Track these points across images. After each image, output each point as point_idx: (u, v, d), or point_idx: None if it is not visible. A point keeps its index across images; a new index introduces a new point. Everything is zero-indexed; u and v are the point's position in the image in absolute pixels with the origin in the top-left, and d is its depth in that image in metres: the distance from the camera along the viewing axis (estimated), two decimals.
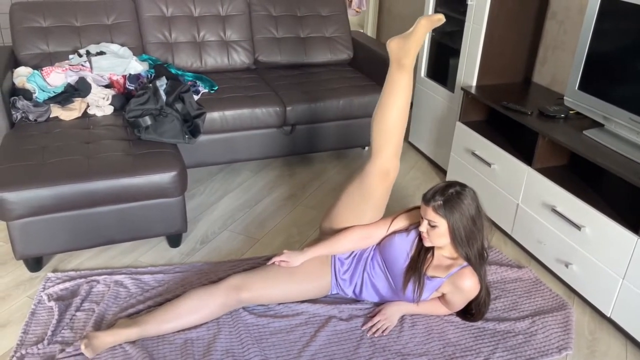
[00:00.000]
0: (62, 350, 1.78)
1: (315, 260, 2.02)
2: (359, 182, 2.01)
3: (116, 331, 1.79)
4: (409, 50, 1.89)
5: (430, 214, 1.82)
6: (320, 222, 2.18)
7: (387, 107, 1.94)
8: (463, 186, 1.83)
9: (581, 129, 2.31)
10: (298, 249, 2.07)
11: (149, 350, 1.79)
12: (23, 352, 1.77)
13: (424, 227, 1.85)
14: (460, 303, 1.96)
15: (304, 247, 2.05)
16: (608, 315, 2.06)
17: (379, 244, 2.03)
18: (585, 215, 2.10)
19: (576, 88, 2.32)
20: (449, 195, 1.80)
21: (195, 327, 1.90)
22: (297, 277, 1.98)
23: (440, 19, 1.87)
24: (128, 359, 1.75)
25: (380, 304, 2.06)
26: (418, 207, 2.03)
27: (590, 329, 2.07)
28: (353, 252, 2.05)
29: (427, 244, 1.89)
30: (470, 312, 2.00)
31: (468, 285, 1.87)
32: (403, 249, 1.93)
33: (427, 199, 1.83)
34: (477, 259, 1.87)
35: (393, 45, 1.92)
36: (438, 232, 1.83)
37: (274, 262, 2.01)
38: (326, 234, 2.11)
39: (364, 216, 2.03)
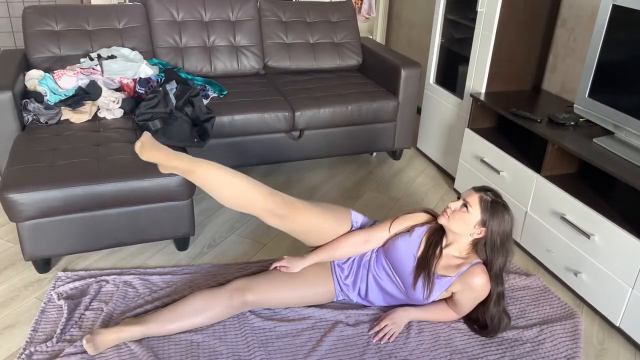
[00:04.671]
0: (71, 346, 1.80)
1: (315, 267, 2.02)
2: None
3: (119, 329, 1.80)
4: (171, 165, 1.88)
5: (473, 199, 1.84)
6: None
7: (218, 195, 1.91)
8: (508, 206, 1.87)
9: (591, 137, 2.30)
10: (303, 254, 2.07)
11: (154, 350, 1.80)
12: (32, 349, 1.79)
13: (455, 205, 1.86)
14: (469, 303, 1.94)
15: (308, 252, 2.06)
16: (617, 325, 2.05)
17: (383, 247, 2.03)
18: (595, 223, 2.08)
19: (586, 96, 2.31)
20: (499, 201, 1.84)
21: (202, 328, 1.90)
22: (298, 282, 1.98)
23: (141, 141, 1.88)
24: (134, 358, 1.76)
25: (387, 308, 2.06)
26: (416, 210, 2.04)
27: (599, 339, 2.05)
28: (350, 257, 2.05)
29: (442, 221, 1.88)
30: (480, 324, 1.98)
31: (478, 283, 1.86)
32: (409, 251, 1.93)
33: (478, 188, 1.86)
34: (495, 273, 1.88)
35: (164, 170, 1.93)
36: (465, 218, 1.83)
37: (275, 267, 2.01)
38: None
39: (326, 232, 2.01)
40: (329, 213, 2.03)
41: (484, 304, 1.94)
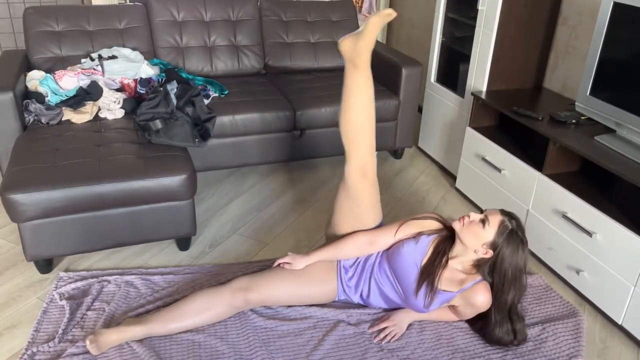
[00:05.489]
0: (73, 346, 1.80)
1: (319, 265, 2.01)
2: (343, 187, 2.01)
3: (122, 329, 1.80)
4: (361, 50, 1.85)
5: (494, 219, 1.79)
6: (325, 229, 2.18)
7: (350, 108, 1.92)
8: (527, 244, 1.83)
9: (592, 135, 2.29)
10: (304, 253, 2.06)
11: (156, 350, 1.80)
12: (34, 350, 1.79)
13: (475, 216, 1.82)
14: (470, 315, 1.94)
15: (311, 250, 2.05)
16: (619, 323, 2.04)
17: (386, 251, 2.01)
18: (597, 221, 2.08)
19: (588, 94, 2.30)
20: (519, 234, 1.79)
21: (203, 328, 1.90)
22: (301, 280, 1.97)
23: (390, 13, 1.80)
24: (135, 358, 1.76)
25: (388, 310, 2.05)
26: (427, 216, 2.01)
27: (601, 337, 2.04)
28: (357, 259, 2.03)
29: (456, 226, 1.84)
30: (487, 334, 1.96)
31: (481, 301, 1.84)
32: (412, 260, 1.90)
33: (505, 212, 1.82)
34: (506, 306, 1.85)
35: (345, 46, 1.88)
36: (478, 232, 1.79)
37: (278, 264, 2.01)
38: (331, 240, 2.10)
39: (361, 217, 2.02)
40: (376, 204, 2.04)
41: (486, 326, 1.92)
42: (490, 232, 1.78)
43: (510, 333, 1.88)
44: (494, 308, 1.86)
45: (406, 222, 2.00)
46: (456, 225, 1.85)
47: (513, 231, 1.78)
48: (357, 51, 1.86)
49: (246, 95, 2.98)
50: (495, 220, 1.79)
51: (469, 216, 1.84)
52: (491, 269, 1.82)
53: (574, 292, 2.27)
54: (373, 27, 1.82)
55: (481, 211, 1.86)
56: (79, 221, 2.12)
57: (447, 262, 1.87)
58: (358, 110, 1.91)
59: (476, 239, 1.80)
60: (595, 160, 2.09)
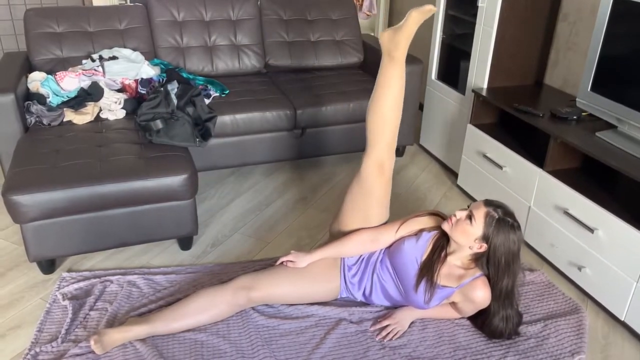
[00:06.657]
0: (76, 346, 1.81)
1: (323, 263, 2.02)
2: (358, 179, 2.02)
3: (125, 328, 1.81)
4: (399, 42, 1.88)
5: (479, 213, 1.79)
6: (330, 225, 2.18)
7: (380, 100, 1.94)
8: (520, 227, 1.81)
9: (594, 131, 2.29)
10: (306, 251, 2.07)
11: (159, 349, 1.81)
12: (37, 350, 1.80)
13: (461, 214, 1.82)
14: (471, 311, 1.94)
15: (313, 249, 2.05)
16: (622, 319, 2.04)
17: (388, 248, 2.02)
18: (598, 217, 2.08)
19: (588, 89, 2.30)
20: (508, 220, 1.78)
21: (205, 327, 1.91)
22: (304, 278, 1.97)
23: (431, 9, 1.83)
24: (138, 357, 1.77)
25: (390, 308, 2.05)
26: (428, 213, 2.01)
27: (604, 333, 2.04)
28: (361, 256, 2.04)
29: (445, 227, 1.85)
30: (484, 326, 1.96)
31: (480, 296, 1.84)
32: (412, 256, 1.91)
33: (489, 202, 1.81)
34: (501, 294, 1.85)
35: (384, 38, 1.92)
36: (467, 230, 1.79)
37: (281, 262, 2.01)
38: (335, 237, 2.11)
39: (369, 215, 2.02)
40: (386, 204, 2.04)
41: (485, 319, 1.92)
42: (478, 227, 1.78)
43: (504, 320, 1.88)
44: (492, 299, 1.87)
45: (408, 219, 2.01)
46: (445, 227, 1.86)
47: (500, 219, 1.77)
48: (395, 42, 1.88)
49: (247, 95, 2.98)
50: (480, 214, 1.79)
51: (455, 215, 1.84)
52: (487, 261, 1.82)
53: (576, 289, 2.27)
54: (413, 20, 1.85)
55: (468, 206, 1.86)
56: (81, 222, 2.13)
57: (445, 257, 1.88)
58: (387, 104, 1.93)
59: (467, 236, 1.80)
60: (597, 156, 2.08)
